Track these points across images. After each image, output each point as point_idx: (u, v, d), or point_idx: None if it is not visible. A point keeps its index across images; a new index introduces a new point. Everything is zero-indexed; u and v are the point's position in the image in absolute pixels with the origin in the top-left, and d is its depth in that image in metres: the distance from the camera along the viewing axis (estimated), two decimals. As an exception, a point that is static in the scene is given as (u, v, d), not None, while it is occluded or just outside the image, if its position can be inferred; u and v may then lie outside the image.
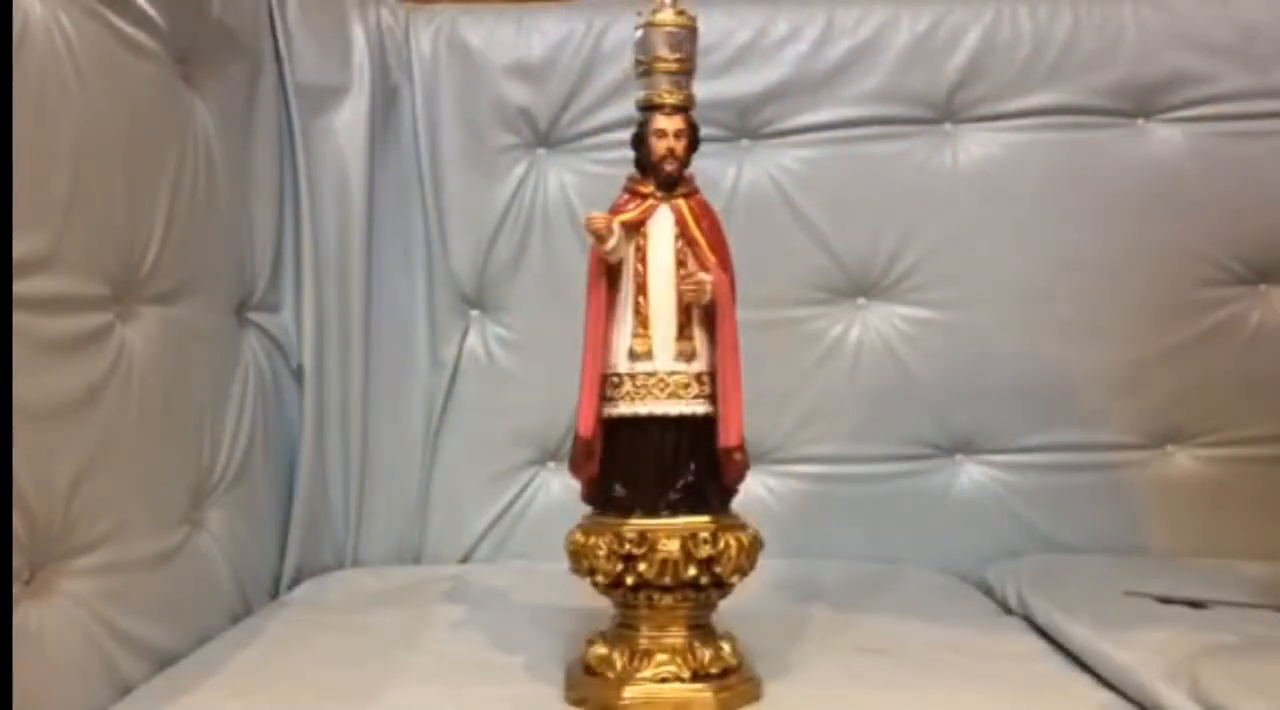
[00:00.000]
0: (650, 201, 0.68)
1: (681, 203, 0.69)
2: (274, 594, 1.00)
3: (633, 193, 0.69)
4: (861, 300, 1.12)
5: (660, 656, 0.67)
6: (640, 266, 0.68)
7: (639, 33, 0.69)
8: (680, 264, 0.68)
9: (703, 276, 0.67)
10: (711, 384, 0.68)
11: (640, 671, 0.67)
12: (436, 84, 1.13)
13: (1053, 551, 1.04)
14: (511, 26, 1.14)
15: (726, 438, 0.67)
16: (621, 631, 0.69)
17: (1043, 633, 0.82)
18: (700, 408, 0.68)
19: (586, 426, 0.68)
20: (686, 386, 0.68)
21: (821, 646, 0.79)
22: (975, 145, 1.12)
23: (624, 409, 0.68)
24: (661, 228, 0.68)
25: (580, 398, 0.69)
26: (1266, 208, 1.10)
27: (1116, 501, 1.08)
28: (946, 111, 1.12)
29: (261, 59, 1.02)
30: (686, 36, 0.69)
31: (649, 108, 0.69)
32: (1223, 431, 1.10)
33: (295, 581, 1.01)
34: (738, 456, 0.68)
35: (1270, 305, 1.11)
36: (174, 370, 0.82)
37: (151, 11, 0.81)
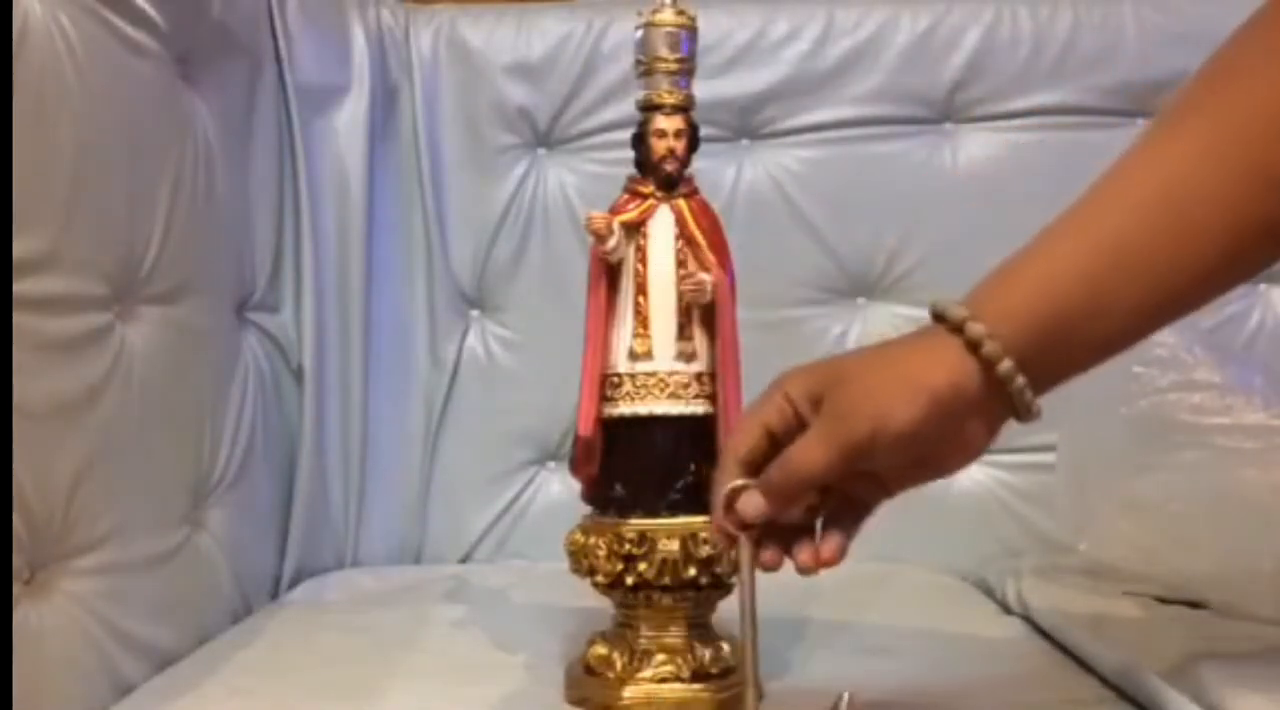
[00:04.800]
0: (650, 201, 0.68)
1: (681, 203, 0.69)
2: (274, 594, 1.00)
3: (633, 193, 0.69)
4: (861, 300, 1.12)
5: (660, 656, 0.67)
6: (640, 266, 0.68)
7: (639, 33, 0.69)
8: (680, 264, 0.68)
9: (703, 276, 0.67)
10: (711, 384, 0.68)
11: (640, 671, 0.67)
12: (436, 84, 1.13)
13: (1053, 551, 1.04)
14: (511, 26, 1.14)
15: (726, 438, 0.67)
16: (621, 631, 0.69)
17: (1043, 633, 0.82)
18: (700, 408, 0.68)
19: (586, 426, 0.68)
20: (686, 386, 0.68)
21: (821, 646, 0.79)
22: (975, 145, 1.12)
23: (624, 409, 0.68)
24: (661, 228, 0.68)
25: (580, 398, 0.69)
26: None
27: (1116, 501, 1.08)
28: (946, 111, 1.12)
29: (261, 59, 1.02)
30: (686, 36, 0.69)
31: (649, 108, 0.69)
32: (1223, 431, 1.10)
33: (295, 581, 1.01)
34: None
35: (1270, 305, 1.11)
36: (174, 370, 0.82)
37: (151, 11, 0.81)
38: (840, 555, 0.57)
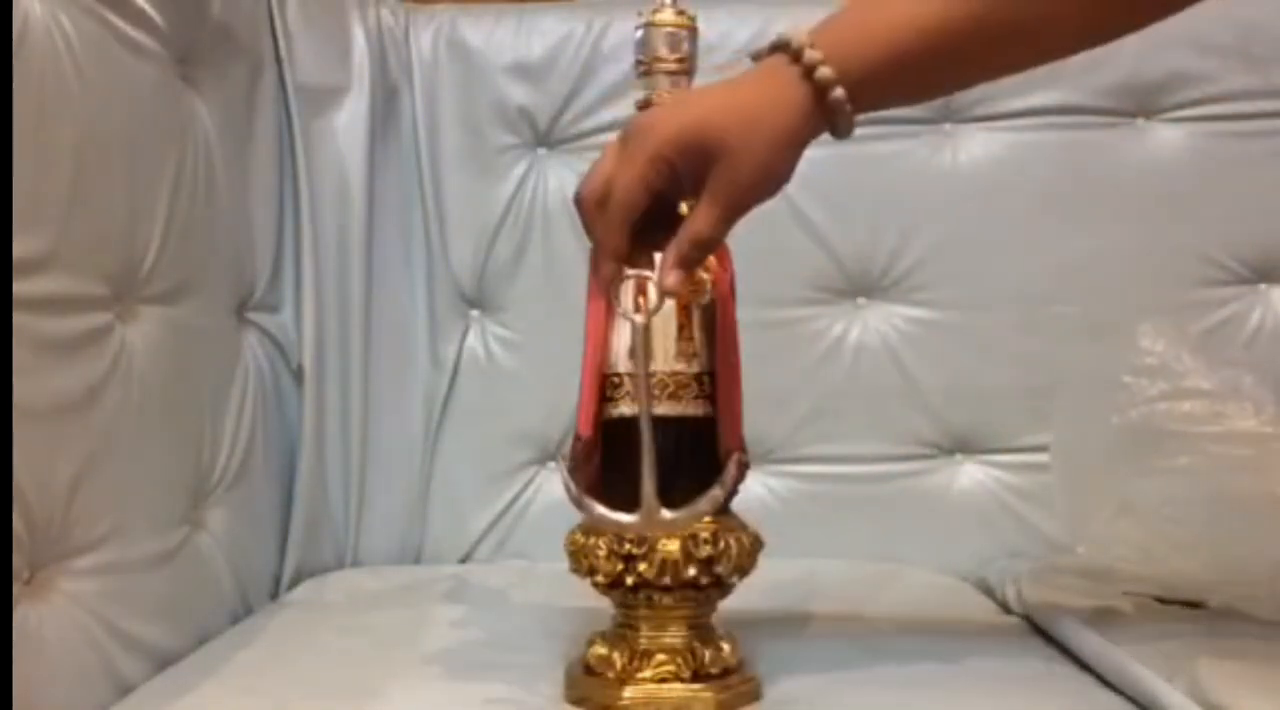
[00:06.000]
0: (650, 201, 0.68)
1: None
2: (274, 594, 1.00)
3: (633, 193, 0.69)
4: (861, 300, 1.12)
5: (660, 656, 0.67)
6: (640, 266, 0.68)
7: (639, 33, 0.69)
8: (680, 264, 0.68)
9: (703, 276, 0.67)
10: (711, 384, 0.68)
11: (640, 671, 0.67)
12: (436, 84, 1.13)
13: (1053, 551, 1.04)
14: (511, 26, 1.14)
15: (727, 438, 0.67)
16: (621, 631, 0.69)
17: (1043, 633, 0.82)
18: (700, 408, 0.68)
19: (586, 426, 0.68)
20: (686, 387, 0.68)
21: (821, 647, 0.79)
22: (975, 145, 1.12)
23: (624, 409, 0.68)
24: (661, 228, 0.68)
25: (580, 398, 0.69)
26: (1266, 208, 1.10)
27: (1116, 501, 1.08)
28: (946, 111, 1.12)
29: (261, 59, 1.02)
30: (686, 36, 0.69)
31: (649, 108, 0.69)
32: (1224, 431, 1.10)
33: (295, 581, 1.01)
34: (738, 457, 0.68)
35: (1270, 305, 1.11)
36: (174, 370, 0.82)
37: (151, 11, 0.81)
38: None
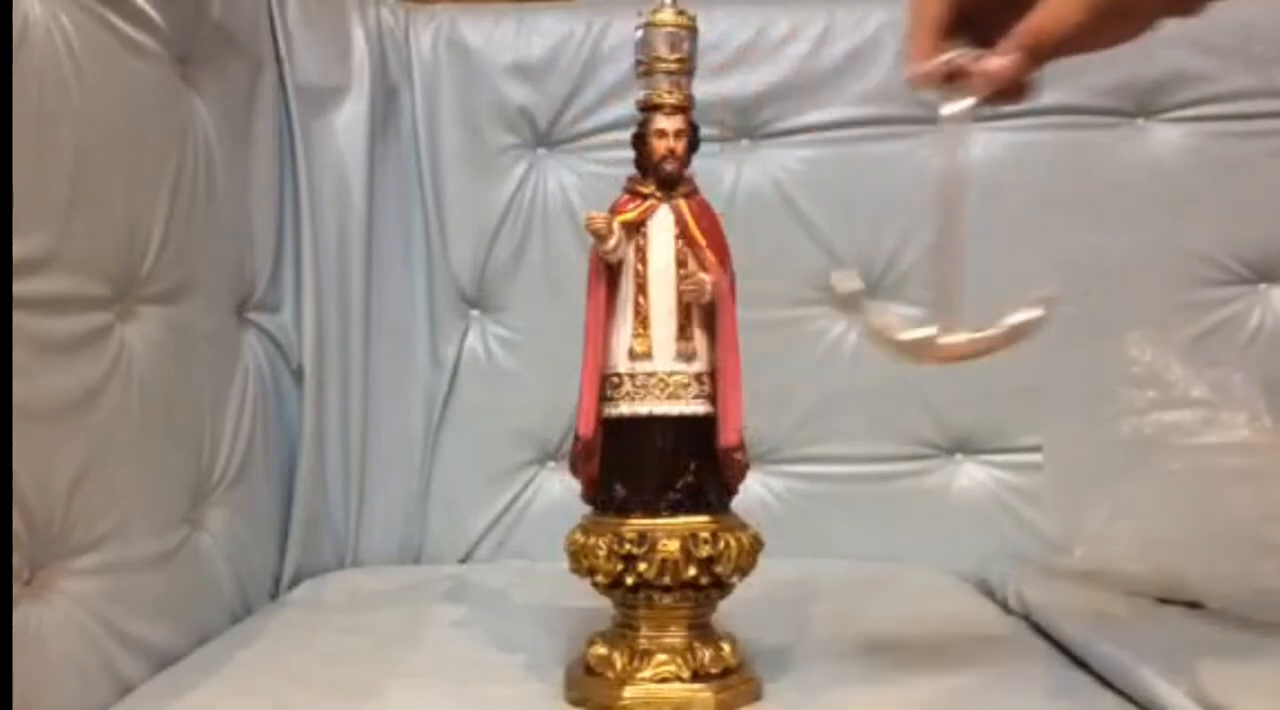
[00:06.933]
0: (650, 201, 0.68)
1: (681, 203, 0.69)
2: (274, 594, 1.00)
3: (633, 193, 0.69)
4: (861, 300, 1.12)
5: (660, 656, 0.67)
6: (640, 266, 0.68)
7: (639, 33, 0.69)
8: (680, 264, 0.68)
9: (703, 276, 0.67)
10: (711, 384, 0.68)
11: (640, 671, 0.67)
12: (436, 84, 1.13)
13: (1053, 552, 1.04)
14: (511, 26, 1.14)
15: (726, 438, 0.67)
16: (621, 631, 0.69)
17: (1043, 632, 0.82)
18: (700, 408, 0.68)
19: (586, 426, 0.68)
20: (686, 386, 0.68)
21: (821, 646, 0.79)
22: (975, 145, 1.12)
23: (624, 409, 0.68)
24: (661, 228, 0.68)
25: (580, 398, 0.69)
26: (1266, 208, 1.10)
27: (1116, 501, 1.08)
28: (946, 111, 1.12)
29: (261, 59, 1.02)
30: (686, 36, 0.69)
31: (649, 108, 0.69)
32: (1223, 431, 1.10)
33: (295, 581, 1.01)
34: (738, 456, 0.68)
35: (1270, 305, 1.11)
36: (174, 370, 0.82)
37: (151, 11, 0.81)
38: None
